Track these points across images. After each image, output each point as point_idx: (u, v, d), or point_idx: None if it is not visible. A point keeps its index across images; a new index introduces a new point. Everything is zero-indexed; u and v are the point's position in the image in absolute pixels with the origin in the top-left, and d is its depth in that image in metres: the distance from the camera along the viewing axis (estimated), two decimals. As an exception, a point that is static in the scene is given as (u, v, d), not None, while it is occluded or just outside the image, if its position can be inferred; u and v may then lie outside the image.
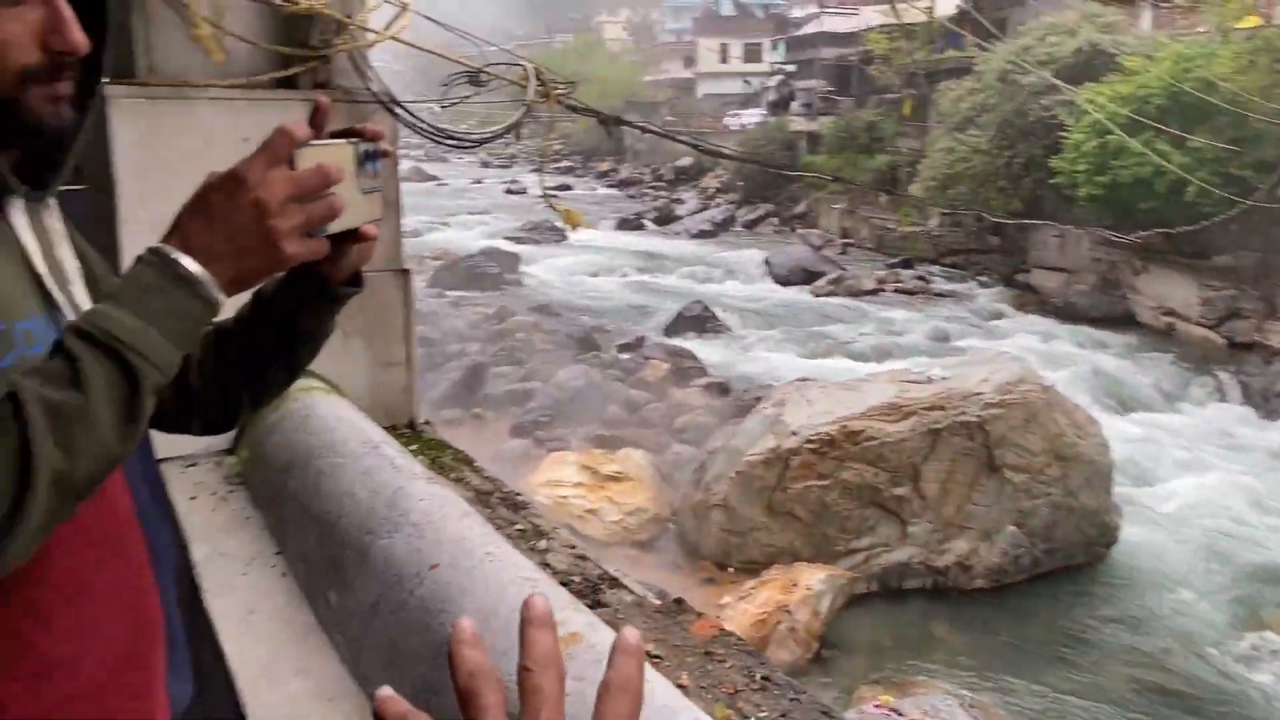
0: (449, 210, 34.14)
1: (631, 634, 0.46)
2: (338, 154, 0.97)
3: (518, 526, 2.20)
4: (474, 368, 14.03)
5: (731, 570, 8.99)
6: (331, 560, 2.18)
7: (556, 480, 10.16)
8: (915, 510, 9.06)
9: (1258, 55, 17.21)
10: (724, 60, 61.70)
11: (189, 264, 0.90)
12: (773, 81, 53.40)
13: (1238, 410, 14.55)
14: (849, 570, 8.77)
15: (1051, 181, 20.26)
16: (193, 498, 2.75)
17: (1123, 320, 19.33)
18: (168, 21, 3.12)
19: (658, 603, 1.78)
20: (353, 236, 1.01)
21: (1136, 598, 9.18)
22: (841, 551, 8.89)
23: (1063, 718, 7.41)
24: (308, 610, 2.22)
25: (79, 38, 0.96)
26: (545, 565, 1.97)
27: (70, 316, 1.00)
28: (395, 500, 2.08)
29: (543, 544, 2.05)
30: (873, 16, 38.25)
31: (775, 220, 32.42)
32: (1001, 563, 9.10)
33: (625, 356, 15.37)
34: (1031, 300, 21.24)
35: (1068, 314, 19.71)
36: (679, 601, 1.75)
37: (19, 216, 1.01)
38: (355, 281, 1.12)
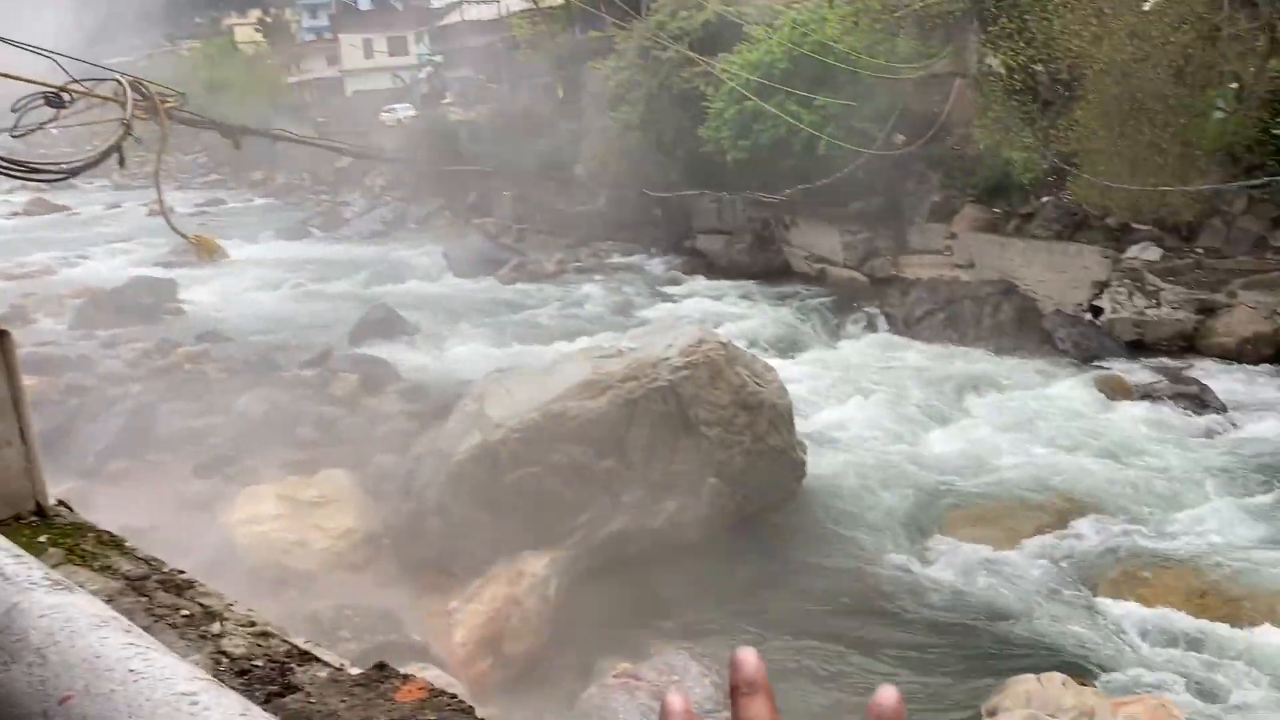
0: (86, 241, 30.63)
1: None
2: None
3: (183, 612, 1.91)
4: (140, 409, 12.66)
5: (457, 573, 8.79)
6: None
7: (254, 516, 9.43)
8: (625, 480, 9.29)
9: (859, 17, 19.15)
10: (369, 56, 59.77)
11: None
12: (423, 74, 52.56)
13: (886, 337, 16.29)
14: (572, 549, 8.85)
15: (702, 150, 21.44)
16: None
17: (781, 272, 21.01)
18: None
19: (356, 673, 1.60)
20: None
21: (831, 522, 10.02)
22: (563, 533, 8.95)
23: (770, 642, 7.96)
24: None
25: None
26: (220, 654, 1.71)
27: None
28: (8, 622, 1.72)
29: (215, 627, 1.78)
30: (513, 2, 38.62)
31: (449, 213, 31.95)
32: (709, 513, 9.57)
33: (311, 373, 14.52)
34: (699, 264, 22.50)
35: (733, 272, 21.17)
36: (381, 666, 1.59)
37: None
38: None
